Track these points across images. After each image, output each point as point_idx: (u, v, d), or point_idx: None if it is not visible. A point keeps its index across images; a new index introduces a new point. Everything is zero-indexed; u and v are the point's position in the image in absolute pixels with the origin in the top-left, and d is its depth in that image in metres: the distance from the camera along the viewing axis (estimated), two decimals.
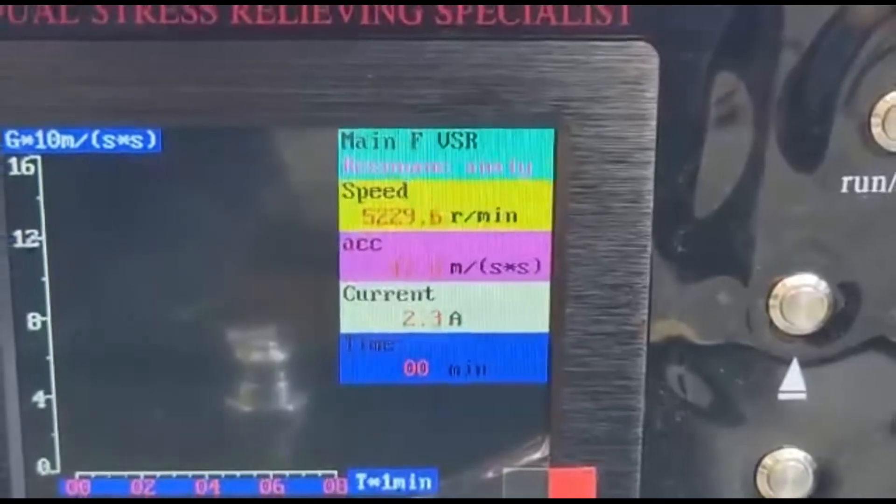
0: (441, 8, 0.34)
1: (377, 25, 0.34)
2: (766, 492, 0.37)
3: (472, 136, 0.34)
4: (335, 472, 0.37)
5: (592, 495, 0.36)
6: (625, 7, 0.34)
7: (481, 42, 0.34)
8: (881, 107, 0.35)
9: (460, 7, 0.34)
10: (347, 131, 0.34)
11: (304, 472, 0.37)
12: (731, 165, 0.35)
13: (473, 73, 0.34)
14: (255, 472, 0.37)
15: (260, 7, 0.33)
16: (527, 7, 0.34)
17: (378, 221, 0.35)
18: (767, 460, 0.37)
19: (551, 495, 0.37)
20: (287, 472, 0.37)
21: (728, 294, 0.36)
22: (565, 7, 0.34)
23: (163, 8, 0.33)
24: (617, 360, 0.36)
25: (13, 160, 0.34)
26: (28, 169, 0.34)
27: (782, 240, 0.36)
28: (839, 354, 0.36)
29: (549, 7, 0.34)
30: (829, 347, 0.37)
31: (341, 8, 0.34)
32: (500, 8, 0.34)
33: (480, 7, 0.34)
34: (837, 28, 0.34)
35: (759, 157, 0.35)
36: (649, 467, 0.37)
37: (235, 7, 0.33)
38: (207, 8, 0.33)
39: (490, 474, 0.37)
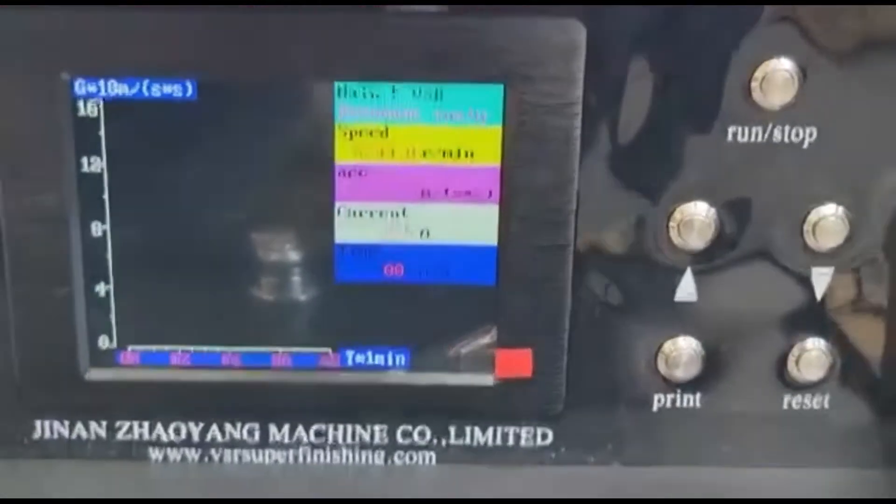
0: None
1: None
2: (664, 371, 0.47)
3: (439, 91, 0.43)
4: (330, 350, 0.46)
5: (529, 372, 0.46)
6: None
7: (450, 17, 0.43)
8: (759, 73, 0.44)
9: None
10: (342, 84, 0.43)
11: (306, 349, 0.46)
12: (642, 118, 0.44)
13: (444, 41, 0.42)
14: (268, 349, 0.47)
15: None
16: None
17: (365, 155, 0.44)
18: (666, 346, 0.47)
19: (497, 371, 0.46)
20: (293, 349, 0.46)
21: (638, 217, 0.45)
22: None
23: None
24: (550, 267, 0.45)
25: (81, 103, 0.43)
26: (92, 111, 0.43)
27: (681, 176, 0.44)
28: (723, 266, 0.45)
29: None
30: (716, 261, 0.45)
31: None
32: None
33: None
34: (726, 10, 0.43)
35: (664, 112, 0.43)
36: (574, 350, 0.46)
37: None
38: None
39: (451, 354, 0.47)
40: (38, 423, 0.47)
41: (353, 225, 0.44)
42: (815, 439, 0.47)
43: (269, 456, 0.47)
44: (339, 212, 0.44)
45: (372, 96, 0.43)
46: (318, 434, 0.47)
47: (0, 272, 0.44)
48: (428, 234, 0.44)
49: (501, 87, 0.43)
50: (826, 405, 0.47)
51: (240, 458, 0.47)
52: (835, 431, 0.47)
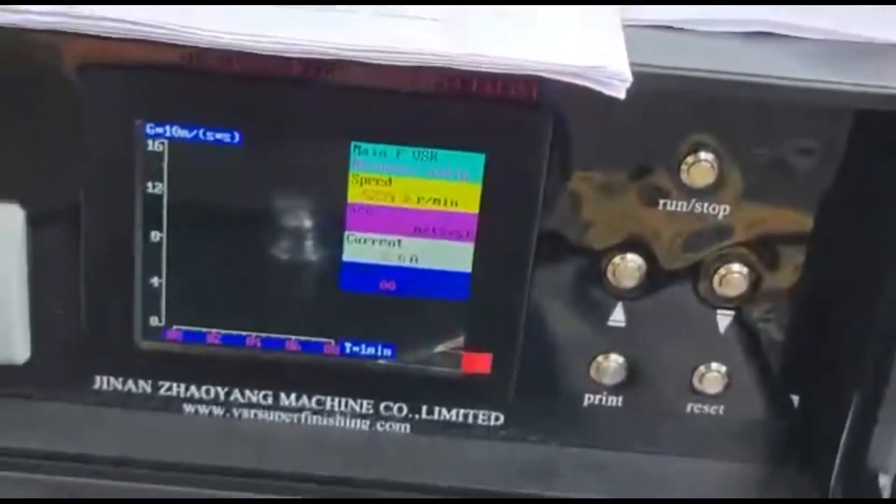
0: (422, 76, 0.52)
1: (381, 90, 0.52)
2: (595, 377, 0.59)
3: (433, 154, 0.54)
4: (332, 341, 0.58)
5: (488, 370, 0.58)
6: (533, 86, 0.54)
7: (445, 99, 0.53)
8: (687, 161, 0.55)
9: (436, 81, 0.52)
10: (357, 143, 0.54)
11: (313, 338, 0.58)
12: (593, 186, 0.55)
13: (439, 118, 0.53)
14: (282, 336, 0.58)
15: (300, 65, 0.52)
16: (473, 83, 0.53)
17: (372, 198, 0.55)
18: (598, 358, 0.58)
19: (463, 368, 0.58)
20: (302, 337, 0.58)
21: (583, 259, 0.56)
22: (498, 83, 0.53)
23: (239, 61, 0.51)
24: (510, 291, 0.56)
25: (150, 141, 0.54)
26: (158, 147, 0.54)
27: (616, 231, 0.56)
28: (648, 302, 0.57)
29: (488, 83, 0.53)
30: (642, 298, 0.57)
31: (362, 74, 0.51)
32: (458, 81, 0.53)
33: (444, 80, 0.53)
34: (663, 111, 0.54)
35: (608, 186, 0.55)
36: (525, 355, 0.57)
37: (293, 63, 0.52)
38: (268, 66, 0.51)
39: (428, 351, 0.58)
40: (97, 378, 0.59)
41: (358, 249, 0.55)
42: (712, 437, 0.60)
43: (278, 417, 0.59)
44: (348, 238, 0.55)
45: (381, 154, 0.54)
46: (318, 403, 0.59)
47: (77, 265, 0.56)
48: (416, 260, 0.56)
49: (483, 155, 0.54)
50: (721, 412, 0.59)
51: (255, 416, 0.59)
52: (728, 432, 0.60)
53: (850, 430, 0.56)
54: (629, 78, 0.47)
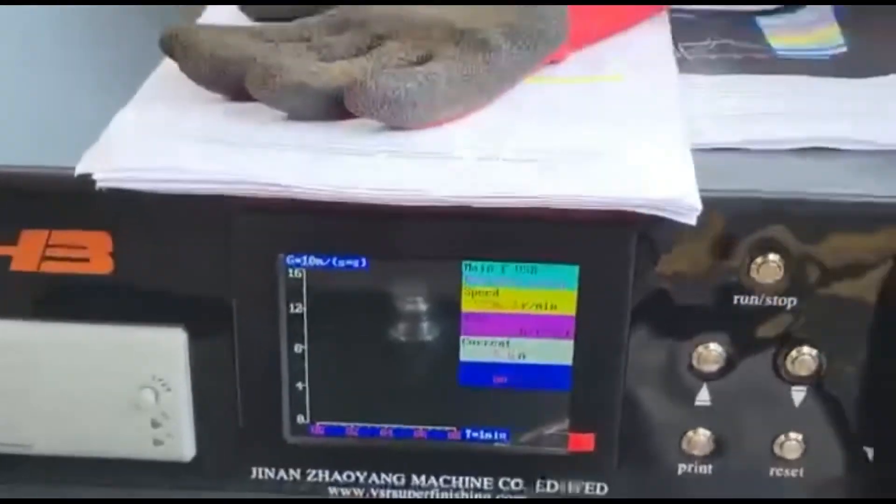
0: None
1: (486, 216, 0.61)
2: (687, 450, 0.66)
3: (533, 267, 0.63)
4: (455, 428, 0.66)
5: (591, 448, 0.66)
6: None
7: (542, 223, 0.62)
8: (756, 261, 0.62)
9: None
10: (467, 262, 0.62)
11: (438, 427, 0.66)
12: (673, 291, 0.63)
13: (536, 239, 0.61)
14: (412, 426, 0.67)
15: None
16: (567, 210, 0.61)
17: (482, 306, 0.64)
18: (689, 433, 0.66)
19: (569, 447, 0.66)
20: (430, 427, 0.66)
21: (668, 352, 0.65)
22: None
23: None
24: (607, 381, 0.64)
25: (291, 270, 0.63)
26: (298, 275, 0.63)
27: (699, 323, 0.63)
28: (730, 382, 0.65)
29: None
30: (724, 379, 0.65)
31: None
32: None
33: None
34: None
35: (688, 287, 0.63)
36: (623, 434, 0.65)
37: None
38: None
39: (537, 434, 0.67)
40: (254, 469, 0.68)
41: (473, 350, 0.64)
42: (794, 496, 0.67)
43: (411, 495, 0.68)
44: (463, 341, 0.64)
45: (488, 269, 0.62)
46: (444, 482, 0.68)
47: (233, 373, 0.65)
48: (524, 356, 0.64)
49: (577, 267, 0.62)
50: (801, 474, 0.66)
51: (390, 495, 0.68)
52: (809, 490, 0.67)
53: None
54: (699, 207, 0.55)
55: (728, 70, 0.69)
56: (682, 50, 0.72)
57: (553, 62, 0.69)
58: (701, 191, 0.56)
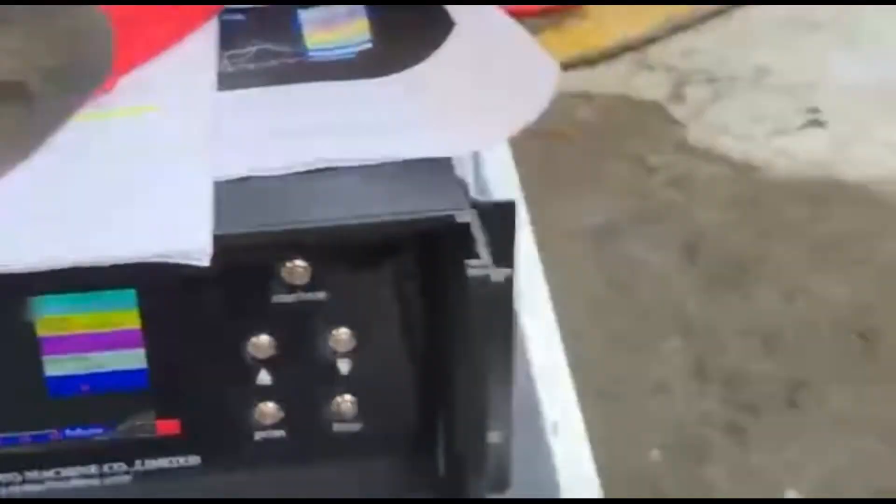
0: None
1: None
2: (260, 420, 0.78)
3: (98, 295, 0.71)
4: (55, 430, 0.76)
5: (178, 431, 0.76)
6: None
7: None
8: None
9: None
10: (39, 298, 0.71)
11: (40, 432, 0.76)
12: None
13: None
14: (16, 434, 0.75)
15: None
16: None
17: (57, 331, 0.72)
18: (260, 406, 0.78)
19: (159, 432, 0.76)
20: (33, 432, 0.76)
21: (232, 343, 0.75)
22: None
23: None
24: (183, 376, 0.75)
25: None
26: None
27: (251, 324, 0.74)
28: (289, 363, 0.76)
29: None
30: (281, 362, 0.76)
31: None
32: None
33: None
34: None
35: None
36: (208, 414, 0.77)
37: None
38: None
39: (131, 425, 0.77)
40: None
41: (57, 367, 0.73)
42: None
43: (29, 489, 0.77)
44: (46, 361, 0.73)
45: (58, 303, 0.71)
46: (56, 473, 0.77)
47: None
48: (103, 366, 0.73)
49: (133, 290, 0.71)
50: (359, 430, 0.78)
51: (9, 493, 0.77)
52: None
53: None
54: (209, 251, 0.64)
55: (263, 82, 0.76)
56: (226, 61, 0.78)
57: (105, 91, 0.75)
58: (217, 231, 0.65)
